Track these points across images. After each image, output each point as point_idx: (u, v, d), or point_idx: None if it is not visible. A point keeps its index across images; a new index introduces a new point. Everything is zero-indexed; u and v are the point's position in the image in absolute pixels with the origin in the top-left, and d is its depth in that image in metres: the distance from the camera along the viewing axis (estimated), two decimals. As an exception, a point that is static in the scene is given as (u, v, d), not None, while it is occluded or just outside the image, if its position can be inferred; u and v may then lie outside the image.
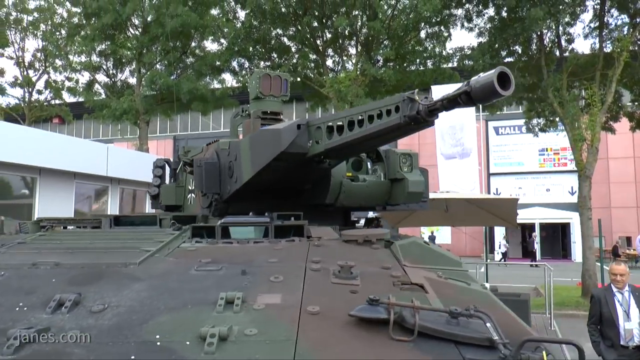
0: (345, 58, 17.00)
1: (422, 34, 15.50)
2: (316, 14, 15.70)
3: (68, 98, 23.28)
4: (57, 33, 20.48)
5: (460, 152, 13.28)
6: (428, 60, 15.79)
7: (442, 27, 15.33)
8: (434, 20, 14.95)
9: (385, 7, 14.43)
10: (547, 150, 33.20)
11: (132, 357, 1.67)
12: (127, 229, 3.83)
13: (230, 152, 4.36)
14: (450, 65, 16.38)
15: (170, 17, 17.36)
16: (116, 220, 4.02)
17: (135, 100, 18.52)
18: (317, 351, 1.69)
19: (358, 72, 15.57)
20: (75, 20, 20.08)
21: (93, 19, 18.26)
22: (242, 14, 17.94)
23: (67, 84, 22.90)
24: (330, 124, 3.43)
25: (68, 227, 4.27)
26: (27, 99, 22.13)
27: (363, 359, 1.68)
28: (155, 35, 18.14)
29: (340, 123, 3.35)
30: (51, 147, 11.03)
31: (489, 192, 33.34)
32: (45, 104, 22.58)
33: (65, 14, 21.49)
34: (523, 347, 1.69)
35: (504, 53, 14.42)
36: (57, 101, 23.11)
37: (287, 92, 4.73)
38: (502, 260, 29.25)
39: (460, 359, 1.71)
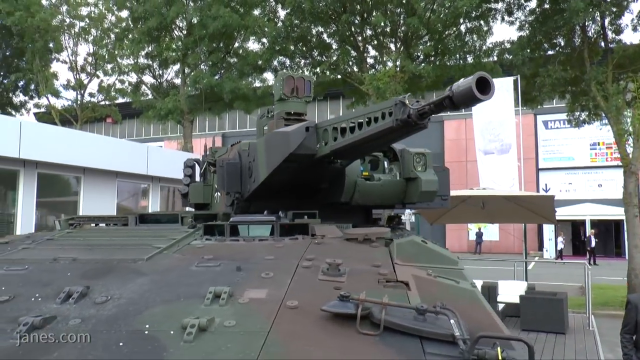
0: (384, 55, 16.98)
1: (462, 29, 15.29)
2: (355, 11, 15.76)
3: (118, 99, 24.26)
4: (107, 38, 21.40)
5: (499, 148, 13.05)
6: (468, 55, 15.59)
7: (481, 22, 15.10)
8: (473, 14, 14.75)
9: (423, 3, 14.32)
10: (598, 144, 32.01)
11: (120, 344, 1.86)
12: (149, 226, 4.08)
13: (250, 153, 4.55)
14: (491, 59, 16.10)
15: (213, 19, 17.83)
16: (141, 218, 4.28)
17: (179, 100, 19.12)
18: (285, 342, 1.83)
19: (397, 69, 15.54)
20: (124, 24, 20.89)
21: (140, 22, 18.95)
22: (282, 14, 18.22)
23: (117, 85, 23.85)
24: (335, 126, 3.56)
25: (100, 225, 4.58)
26: (79, 101, 23.21)
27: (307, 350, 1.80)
28: (199, 36, 18.65)
29: (344, 125, 3.48)
30: (94, 148, 11.63)
31: (537, 188, 32.47)
32: (94, 106, 23.58)
33: (114, 19, 22.40)
34: (480, 343, 1.77)
35: (545, 46, 14.09)
36: (108, 102, 24.11)
37: (311, 93, 4.85)
38: (560, 257, 28.49)
39: (421, 353, 1.81)
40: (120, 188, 12.86)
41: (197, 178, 6.14)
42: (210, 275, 2.47)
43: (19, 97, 25.19)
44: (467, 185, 11.87)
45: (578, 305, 11.62)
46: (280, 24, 17.68)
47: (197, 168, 6.16)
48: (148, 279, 2.48)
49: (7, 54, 23.81)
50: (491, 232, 31.90)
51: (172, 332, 1.91)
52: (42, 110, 25.65)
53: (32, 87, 23.84)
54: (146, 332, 1.94)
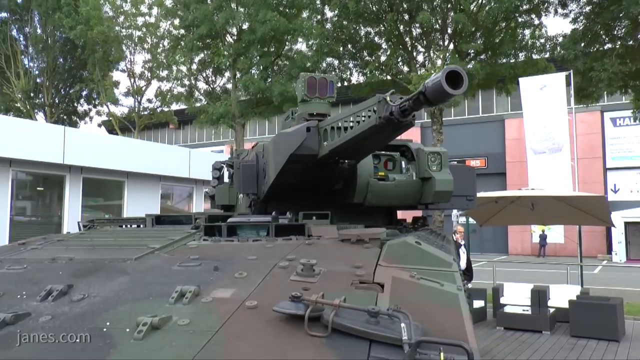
0: (433, 53, 16.67)
1: (513, 24, 14.73)
2: (401, 10, 15.55)
3: (174, 105, 25.18)
4: (161, 46, 22.27)
5: (551, 147, 12.46)
6: (519, 52, 15.04)
7: (533, 15, 14.50)
8: (524, 7, 14.21)
9: (470, -1, 13.96)
10: (672, 142, 30.04)
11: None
12: (163, 227, 4.19)
13: (264, 155, 4.60)
14: (545, 55, 15.44)
15: (261, 23, 18.14)
16: (157, 220, 4.40)
17: (230, 104, 19.55)
18: (228, 341, 1.81)
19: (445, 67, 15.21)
20: (176, 32, 21.62)
21: (191, 30, 19.54)
22: (330, 15, 18.26)
23: (175, 91, 24.72)
24: (333, 125, 3.53)
25: (130, 225, 4.74)
26: (136, 108, 24.25)
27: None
28: (248, 41, 19.02)
29: (340, 125, 3.44)
30: (137, 152, 12.13)
31: (605, 189, 30.85)
32: (154, 111, 24.57)
33: (169, 27, 23.23)
34: (423, 347, 1.70)
35: (603, 38, 13.35)
36: (165, 108, 25.04)
37: (334, 94, 4.83)
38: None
39: (366, 355, 1.76)
40: (169, 191, 13.36)
41: (227, 180, 6.25)
42: (187, 275, 2.50)
43: (83, 106, 26.64)
44: (528, 186, 11.45)
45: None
46: (328, 25, 17.74)
47: (226, 170, 6.28)
48: (129, 278, 2.54)
49: (72, 65, 25.28)
50: (557, 234, 30.56)
51: (127, 330, 1.94)
52: (104, 118, 26.99)
53: (94, 96, 25.13)
54: (104, 330, 1.98)
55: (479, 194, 10.60)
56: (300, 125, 3.80)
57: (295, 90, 5.06)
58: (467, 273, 10.01)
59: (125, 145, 12.47)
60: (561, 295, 10.22)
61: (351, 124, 3.23)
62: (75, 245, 3.30)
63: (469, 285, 10.21)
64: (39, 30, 26.85)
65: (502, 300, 10.45)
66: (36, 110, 26.29)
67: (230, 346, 1.79)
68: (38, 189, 11.65)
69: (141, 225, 4.57)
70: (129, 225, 4.69)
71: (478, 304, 10.06)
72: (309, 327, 1.87)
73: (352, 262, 2.64)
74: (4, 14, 28.07)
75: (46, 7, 24.92)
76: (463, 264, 9.90)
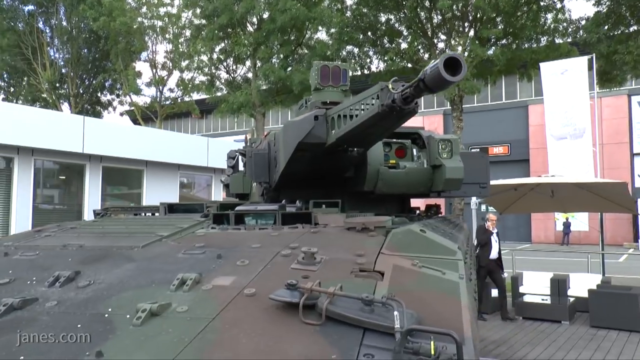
0: (454, 40, 16.42)
1: (535, 7, 14.38)
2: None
3: (196, 95, 25.39)
4: (182, 37, 22.40)
5: (572, 133, 12.21)
6: (541, 36, 14.72)
7: (554, -2, 14.18)
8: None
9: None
10: None
11: (79, 326, 1.97)
12: (175, 215, 4.25)
13: (276, 143, 4.63)
14: (568, 40, 15.07)
15: (281, 12, 18.09)
16: (170, 208, 4.47)
17: (251, 93, 19.61)
18: (224, 329, 1.84)
19: (466, 54, 14.97)
20: (197, 22, 21.72)
21: (212, 20, 19.60)
22: (350, 2, 18.10)
23: (196, 80, 24.87)
24: (340, 114, 3.53)
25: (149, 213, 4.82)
26: (158, 98, 24.51)
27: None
28: (268, 30, 19.01)
29: (345, 113, 3.44)
30: (156, 142, 12.29)
31: (632, 176, 30.19)
32: (175, 101, 24.81)
33: (191, 17, 23.34)
34: (415, 336, 1.71)
35: (629, 20, 12.96)
36: (187, 98, 25.27)
37: (347, 82, 4.82)
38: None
39: (358, 343, 1.77)
40: (191, 180, 13.52)
41: (241, 169, 6.29)
42: (190, 263, 2.54)
43: (106, 96, 27.05)
44: (549, 173, 11.26)
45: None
46: (348, 13, 17.60)
47: (240, 159, 6.32)
48: (135, 265, 2.59)
49: (96, 56, 25.65)
50: (581, 222, 30.06)
51: (127, 316, 1.99)
52: (127, 108, 27.34)
53: (117, 86, 25.47)
54: (106, 315, 2.03)
55: (499, 181, 10.51)
56: (309, 113, 3.81)
57: (310, 79, 5.07)
58: (499, 263, 9.90)
59: (144, 135, 12.65)
60: (581, 285, 10.08)
61: (357, 112, 3.23)
62: (87, 232, 3.37)
63: (505, 275, 10.11)
64: (64, 22, 27.27)
65: (521, 290, 10.35)
66: (61, 101, 26.81)
67: (224, 334, 1.83)
68: (60, 177, 11.95)
69: (156, 214, 4.65)
70: (143, 214, 4.78)
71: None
72: (304, 314, 1.89)
73: (355, 250, 2.65)
74: (31, 7, 28.56)
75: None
76: (495, 253, 9.77)
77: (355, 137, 3.48)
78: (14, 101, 27.30)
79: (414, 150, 4.74)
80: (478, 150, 34.56)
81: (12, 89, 29.32)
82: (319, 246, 2.67)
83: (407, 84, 2.67)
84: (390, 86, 2.76)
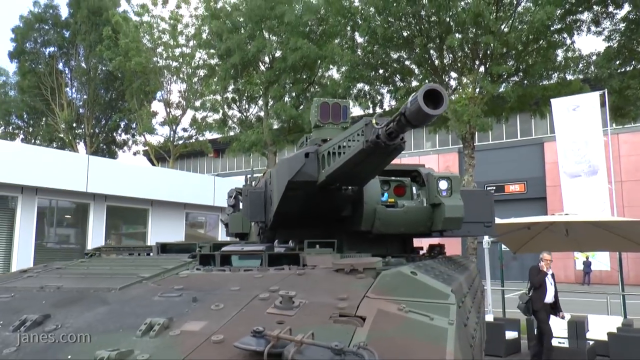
0: (465, 76, 16.44)
1: (544, 44, 14.37)
2: (429, 34, 15.44)
3: (209, 134, 25.68)
4: (196, 76, 22.83)
5: (586, 170, 11.97)
6: (552, 73, 14.66)
7: (564, 35, 14.14)
8: (556, 27, 13.90)
9: (494, 17, 13.68)
10: None
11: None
12: (167, 255, 4.15)
13: (271, 182, 4.54)
14: (581, 76, 14.98)
15: (292, 51, 18.36)
16: (163, 248, 4.38)
17: (262, 132, 19.75)
18: (184, 378, 1.73)
19: (477, 90, 14.95)
20: (212, 61, 22.16)
21: (225, 59, 19.96)
22: (360, 40, 18.28)
23: (210, 119, 25.20)
24: (329, 151, 3.43)
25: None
26: (171, 137, 24.86)
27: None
28: (280, 69, 19.28)
29: (334, 150, 3.35)
30: (162, 181, 12.33)
31: (654, 213, 29.51)
32: (189, 140, 25.10)
33: (205, 57, 23.84)
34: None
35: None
36: (200, 137, 25.57)
37: (348, 119, 4.76)
38: None
39: None
40: (201, 219, 13.49)
41: (242, 207, 6.21)
42: (164, 306, 2.42)
43: (121, 136, 27.53)
44: (563, 212, 11.02)
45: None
46: (359, 51, 17.75)
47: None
48: (108, 308, 2.47)
49: (112, 96, 26.23)
50: (602, 261, 29.28)
51: (86, 366, 1.88)
52: (141, 147, 27.74)
53: (133, 126, 25.92)
54: (63, 364, 1.92)
55: (510, 220, 10.27)
56: (300, 151, 3.74)
57: (310, 116, 5.02)
58: (555, 306, 9.28)
59: (149, 174, 12.73)
60: (601, 327, 9.67)
61: (344, 149, 3.13)
62: (69, 273, 3.28)
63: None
64: (83, 64, 28.07)
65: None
66: (77, 140, 27.34)
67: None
68: (66, 216, 12.03)
69: (151, 254, 4.55)
70: (137, 254, 4.68)
71: (511, 335, 9.60)
72: (271, 364, 1.76)
73: (339, 293, 2.51)
74: (52, 49, 29.52)
75: (89, 41, 26.06)
76: (550, 296, 9.19)
77: (345, 175, 3.37)
78: (32, 141, 27.95)
79: (414, 189, 4.61)
80: (494, 188, 34.31)
81: (31, 129, 30.03)
82: (302, 289, 2.54)
83: (389, 119, 2.58)
84: (374, 121, 2.67)
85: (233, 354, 1.86)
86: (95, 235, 11.64)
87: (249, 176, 5.97)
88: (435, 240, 5.53)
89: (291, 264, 3.14)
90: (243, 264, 3.29)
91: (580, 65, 14.15)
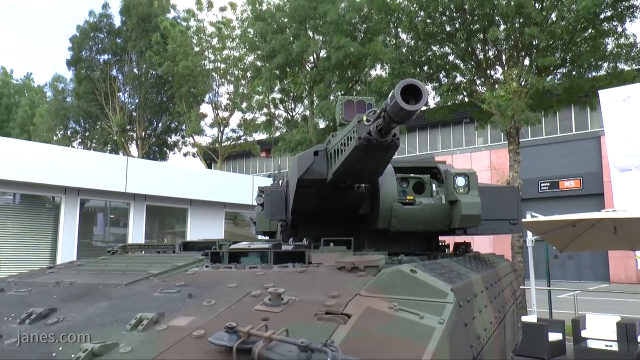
0: (508, 69, 15.98)
1: (594, 33, 13.74)
2: (470, 28, 15.10)
3: (257, 135, 26.12)
4: (243, 79, 23.25)
5: (638, 164, 11.37)
6: (603, 63, 14.01)
7: (614, 22, 13.47)
8: (607, 14, 13.28)
9: (538, 6, 13.18)
10: None
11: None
12: (189, 253, 4.27)
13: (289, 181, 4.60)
14: (635, 65, 14.22)
15: (335, 50, 18.40)
16: (185, 246, 4.51)
17: (308, 131, 19.87)
18: (155, 370, 1.79)
19: (522, 84, 14.48)
20: (258, 63, 22.50)
21: (270, 60, 20.23)
22: (404, 37, 18.07)
23: (258, 120, 25.61)
24: (335, 148, 3.44)
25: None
26: (219, 138, 25.44)
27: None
28: (324, 68, 19.35)
29: (338, 148, 3.35)
30: (200, 180, 12.66)
31: None
32: (236, 141, 25.63)
33: (253, 59, 24.21)
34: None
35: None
36: (249, 138, 26.05)
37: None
38: None
39: None
40: (247, 219, 13.71)
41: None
42: (161, 301, 2.50)
43: (171, 138, 28.41)
44: (614, 207, 10.53)
45: None
46: (404, 49, 17.54)
47: (265, 197, 6.31)
48: (110, 303, 2.58)
49: (162, 99, 27.12)
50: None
51: (72, 356, 1.97)
52: (190, 149, 28.53)
53: (182, 127, 26.72)
54: (54, 354, 2.02)
55: (554, 217, 9.91)
56: (310, 149, 3.77)
57: (335, 114, 5.04)
58: None
59: (187, 174, 13.11)
60: (654, 329, 9.18)
61: (344, 147, 3.14)
62: (87, 270, 3.43)
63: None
64: (134, 69, 29.17)
65: (584, 334, 9.57)
66: (130, 143, 28.45)
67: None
68: (110, 216, 12.61)
69: (176, 251, 4.69)
70: (163, 251, 4.83)
71: (555, 336, 9.28)
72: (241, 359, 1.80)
73: (333, 291, 2.52)
74: (106, 56, 30.84)
75: (140, 47, 27.05)
76: None
77: (350, 173, 3.37)
78: (89, 144, 29.28)
79: (433, 186, 4.55)
80: (548, 184, 33.12)
81: (87, 133, 31.47)
82: (298, 286, 2.57)
83: (376, 116, 2.57)
84: (364, 119, 2.67)
85: (210, 349, 1.91)
86: (136, 234, 12.13)
87: (275, 173, 6.05)
88: (460, 238, 5.44)
89: (297, 261, 3.17)
90: (250, 262, 3.35)
91: (633, 53, 13.45)
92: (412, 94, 2.23)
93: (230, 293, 2.53)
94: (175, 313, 2.30)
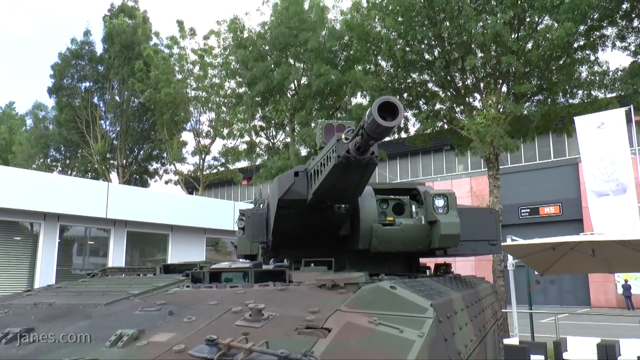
0: (486, 97, 16.33)
1: (568, 61, 14.17)
2: (448, 55, 15.45)
3: (239, 163, 26.12)
4: (223, 106, 23.37)
5: (614, 189, 11.63)
6: (578, 90, 14.43)
7: (587, 51, 13.93)
8: (576, 44, 13.75)
9: (515, 37, 13.61)
10: None
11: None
12: (169, 275, 4.24)
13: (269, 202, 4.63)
14: (611, 95, 14.65)
15: (316, 77, 18.64)
16: (165, 269, 4.49)
17: (289, 158, 19.95)
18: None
19: (500, 110, 14.80)
20: (239, 90, 22.67)
21: (252, 87, 20.39)
22: (383, 64, 18.37)
23: (240, 147, 25.64)
24: (314, 169, 3.49)
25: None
26: (201, 166, 25.41)
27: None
28: (305, 95, 19.56)
29: (317, 168, 3.40)
30: (181, 206, 12.63)
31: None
32: (218, 169, 25.61)
33: (234, 86, 24.40)
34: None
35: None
36: (231, 166, 26.05)
37: (352, 140, 4.81)
38: None
39: None
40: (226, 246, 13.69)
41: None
42: (141, 319, 2.49)
43: (152, 166, 28.28)
44: (593, 232, 10.74)
45: None
46: (384, 77, 17.82)
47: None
48: (89, 322, 2.56)
49: (144, 127, 27.08)
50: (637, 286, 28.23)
51: (51, 372, 1.96)
52: (172, 176, 28.44)
53: (164, 155, 26.63)
54: (32, 372, 2.00)
55: (533, 241, 10.04)
56: (291, 170, 3.81)
57: (315, 138, 5.10)
58: None
59: (168, 200, 13.06)
60: (634, 351, 9.28)
61: (323, 167, 3.19)
62: (66, 292, 3.39)
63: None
64: (116, 97, 29.16)
65: (565, 356, 9.61)
66: (111, 171, 28.25)
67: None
68: (88, 242, 12.43)
69: (156, 273, 4.66)
70: (143, 274, 4.79)
71: (537, 358, 9.29)
72: (217, 372, 1.81)
73: (313, 307, 2.54)
74: (87, 84, 30.79)
75: (122, 75, 27.10)
76: None
77: (330, 192, 3.42)
78: (69, 172, 28.98)
79: (413, 207, 4.61)
80: (528, 211, 33.52)
81: (67, 161, 31.17)
82: (278, 303, 2.58)
83: (354, 133, 2.63)
84: (343, 137, 2.73)
85: (190, 362, 1.91)
86: (116, 262, 11.97)
87: (257, 198, 6.06)
88: (441, 260, 5.48)
89: (277, 280, 3.17)
90: (235, 282, 3.35)
91: (605, 81, 13.88)
92: (389, 111, 2.30)
93: (210, 310, 2.53)
94: (156, 330, 2.30)
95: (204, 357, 1.85)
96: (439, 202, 4.21)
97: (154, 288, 3.18)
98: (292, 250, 4.63)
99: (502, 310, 10.25)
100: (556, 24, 12.99)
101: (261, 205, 5.89)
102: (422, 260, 5.34)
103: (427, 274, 5.33)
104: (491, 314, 5.69)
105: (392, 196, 4.57)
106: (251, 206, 6.50)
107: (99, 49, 30.59)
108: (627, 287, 28.93)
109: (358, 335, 2.26)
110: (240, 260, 6.20)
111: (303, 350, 1.92)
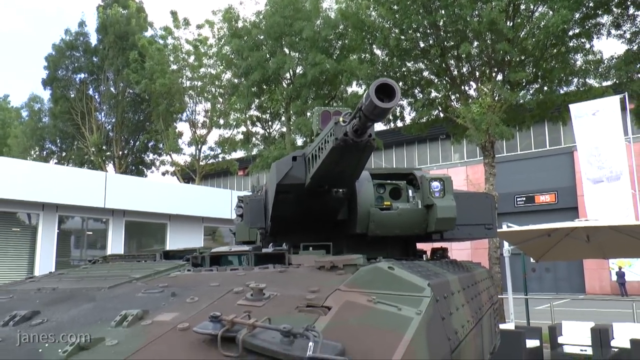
0: (482, 85, 16.36)
1: (563, 49, 14.21)
2: (443, 44, 15.45)
3: (235, 153, 26.13)
4: (219, 96, 23.31)
5: (608, 175, 11.73)
6: (572, 78, 14.47)
7: (582, 39, 13.96)
8: (571, 32, 13.77)
9: (510, 24, 13.62)
10: None
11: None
12: (169, 261, 4.30)
13: (267, 188, 4.67)
14: (606, 82, 14.70)
15: (311, 66, 18.62)
16: (165, 255, 4.54)
17: (285, 147, 19.96)
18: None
19: (495, 98, 14.84)
20: (235, 80, 22.61)
21: (247, 77, 20.35)
22: (379, 53, 18.34)
23: (236, 137, 25.61)
24: (312, 153, 3.54)
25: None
26: (197, 156, 25.39)
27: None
28: (301, 84, 19.54)
29: (315, 152, 3.45)
30: (179, 195, 12.66)
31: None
32: (214, 159, 25.62)
33: (229, 76, 24.30)
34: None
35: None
36: (227, 156, 26.05)
37: (348, 126, 4.85)
38: None
39: None
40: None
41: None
42: (144, 301, 2.54)
43: (149, 157, 28.25)
44: (587, 218, 10.85)
45: None
46: (380, 66, 17.79)
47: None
48: (93, 304, 2.61)
49: (139, 118, 27.02)
50: (633, 272, 28.41)
51: (59, 351, 2.01)
52: (168, 167, 28.41)
53: (160, 146, 26.60)
54: (40, 351, 2.05)
55: (529, 227, 10.14)
56: (289, 154, 3.85)
57: (312, 125, 5.13)
58: None
59: (166, 189, 13.08)
60: (627, 334, 9.40)
61: (321, 150, 3.23)
62: (69, 277, 3.44)
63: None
64: (111, 88, 29.05)
65: (560, 340, 9.74)
66: (107, 162, 28.21)
67: (138, 364, 1.81)
68: (87, 232, 12.46)
69: (157, 259, 4.70)
70: (144, 260, 4.84)
71: (532, 343, 9.41)
72: (225, 347, 1.85)
73: (312, 287, 2.59)
74: (82, 75, 30.63)
75: (117, 65, 26.99)
76: None
77: (328, 176, 3.46)
78: (65, 164, 28.93)
79: (410, 191, 4.66)
80: (524, 199, 33.67)
81: (63, 154, 31.10)
82: (278, 284, 2.64)
83: (351, 115, 2.68)
84: (341, 120, 2.77)
85: (194, 339, 1.97)
86: (115, 251, 12.01)
87: (254, 185, 6.10)
88: (438, 245, 5.55)
89: (277, 263, 3.23)
90: (235, 265, 3.41)
91: (600, 69, 13.93)
92: (386, 93, 2.35)
93: (212, 291, 2.59)
94: (160, 310, 2.35)
95: (209, 333, 1.90)
96: (435, 186, 4.26)
97: (156, 272, 3.23)
98: (291, 235, 4.68)
99: (499, 296, 10.37)
100: (551, 12, 13.00)
101: (259, 192, 5.94)
102: (418, 245, 5.40)
103: (424, 258, 5.40)
104: (487, 297, 5.77)
105: (389, 181, 4.63)
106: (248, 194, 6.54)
107: (93, 39, 30.46)
108: (621, 274, 29.18)
109: (357, 313, 2.31)
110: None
111: (305, 325, 1.97)
